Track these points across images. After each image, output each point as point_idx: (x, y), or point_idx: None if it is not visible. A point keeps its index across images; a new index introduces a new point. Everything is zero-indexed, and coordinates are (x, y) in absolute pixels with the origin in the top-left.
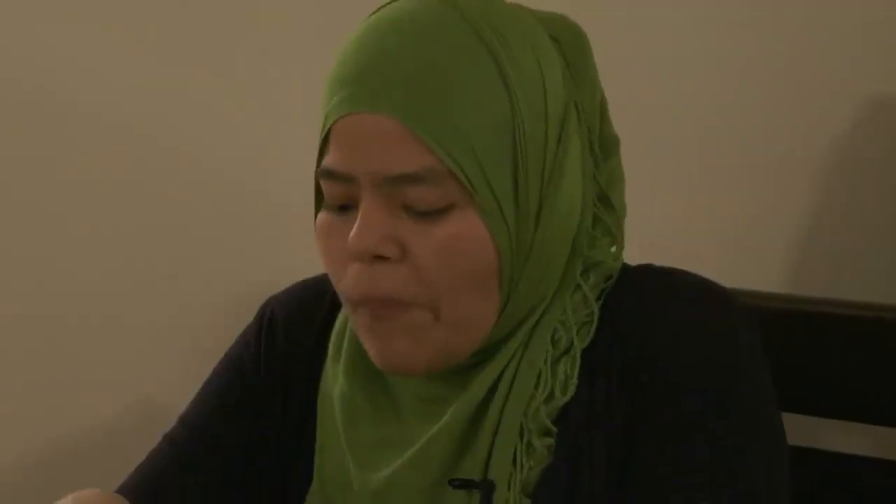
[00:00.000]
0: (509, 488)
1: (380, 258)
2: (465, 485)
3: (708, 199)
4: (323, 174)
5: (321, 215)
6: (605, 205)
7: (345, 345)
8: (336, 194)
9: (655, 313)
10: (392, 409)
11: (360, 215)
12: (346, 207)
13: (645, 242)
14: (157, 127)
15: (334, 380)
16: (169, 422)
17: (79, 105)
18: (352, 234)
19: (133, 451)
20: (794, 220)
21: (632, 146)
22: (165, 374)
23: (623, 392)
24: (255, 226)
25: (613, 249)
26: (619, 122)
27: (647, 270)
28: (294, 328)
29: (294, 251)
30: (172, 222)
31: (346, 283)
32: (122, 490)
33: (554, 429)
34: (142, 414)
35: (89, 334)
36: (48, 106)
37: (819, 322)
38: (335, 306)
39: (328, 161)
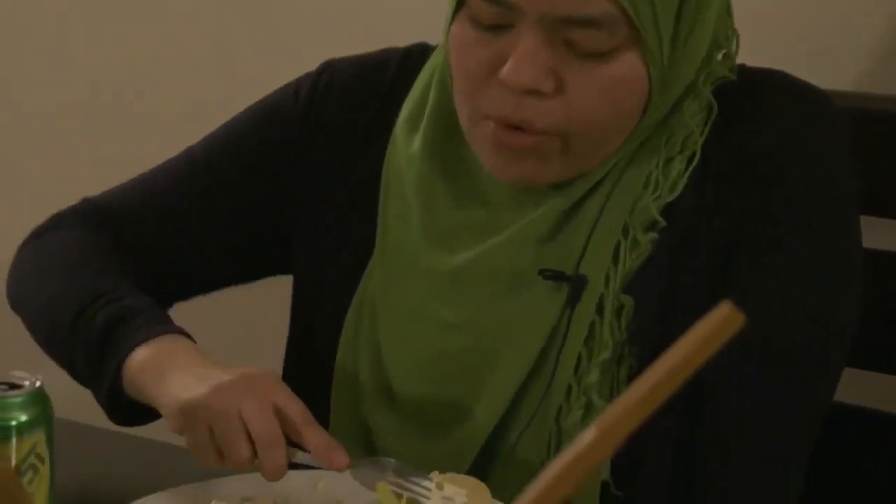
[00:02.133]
0: (607, 284)
1: (533, 91)
2: (557, 276)
3: None
4: None
5: (461, 26)
6: (728, 13)
7: (423, 124)
8: (490, 13)
9: (772, 116)
10: (477, 194)
11: (520, 48)
12: (496, 27)
13: None
14: None
15: (407, 158)
16: None
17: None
18: (510, 66)
19: None
20: None
21: None
22: None
23: (733, 193)
24: None
25: (730, 53)
26: None
27: (761, 74)
28: (352, 95)
29: None
30: None
31: (487, 102)
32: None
33: (662, 221)
34: None
35: None
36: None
37: None
38: (398, 79)
39: None
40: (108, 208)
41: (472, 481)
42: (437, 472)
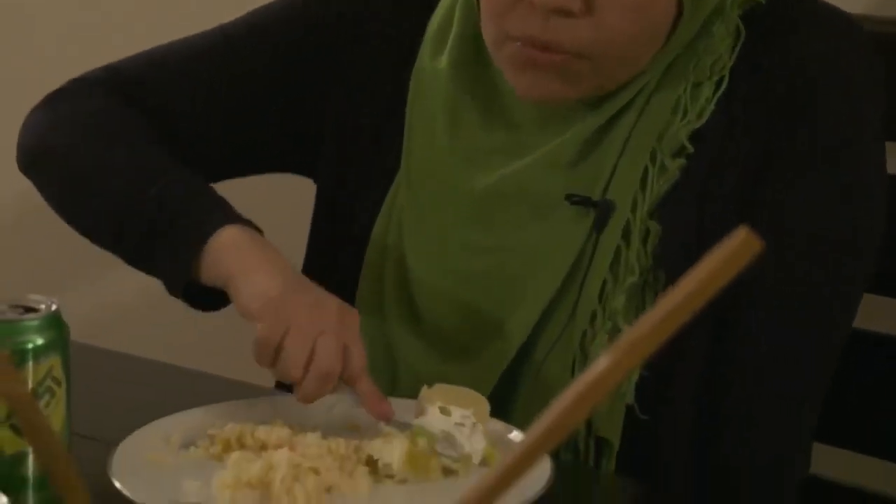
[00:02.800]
0: (634, 210)
1: (561, 10)
2: (584, 202)
3: None
4: None
5: None
6: None
7: (449, 44)
8: None
9: (800, 41)
10: (504, 116)
11: None
12: None
13: None
14: None
15: (433, 76)
16: None
17: None
18: None
19: None
20: None
21: None
22: None
23: (761, 118)
24: None
25: None
26: None
27: None
28: (385, 7)
29: None
30: None
31: (514, 23)
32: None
33: (690, 147)
34: None
35: None
36: None
37: None
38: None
39: None
40: (135, 79)
41: (470, 394)
42: (425, 387)
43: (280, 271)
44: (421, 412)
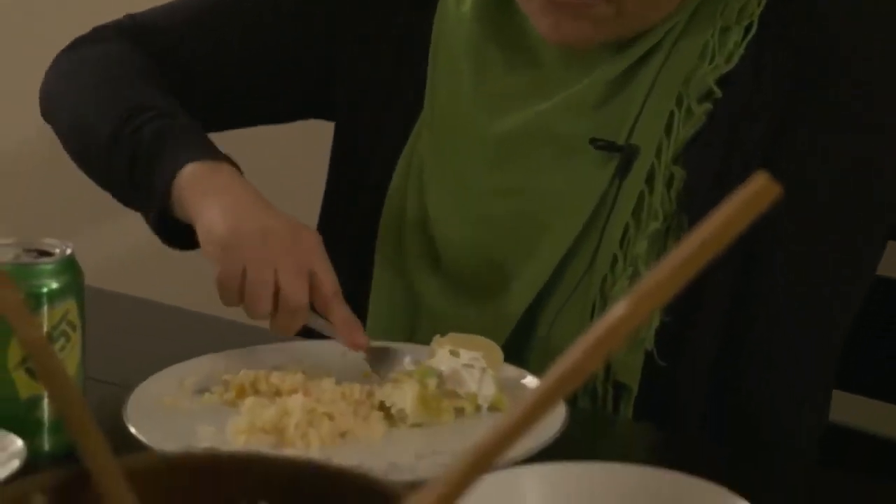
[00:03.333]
0: (658, 154)
1: None
2: (608, 146)
3: None
4: None
5: None
6: None
7: None
8: None
9: None
10: (528, 59)
11: None
12: None
13: None
14: None
15: (457, 19)
16: None
17: None
18: None
19: None
20: None
21: None
22: None
23: (790, 64)
24: None
25: None
26: None
27: None
28: None
29: None
30: None
31: None
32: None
33: (718, 92)
34: None
35: None
36: None
37: None
38: None
39: None
40: (151, 26)
41: (482, 340)
42: (437, 336)
43: (229, 203)
44: (431, 356)
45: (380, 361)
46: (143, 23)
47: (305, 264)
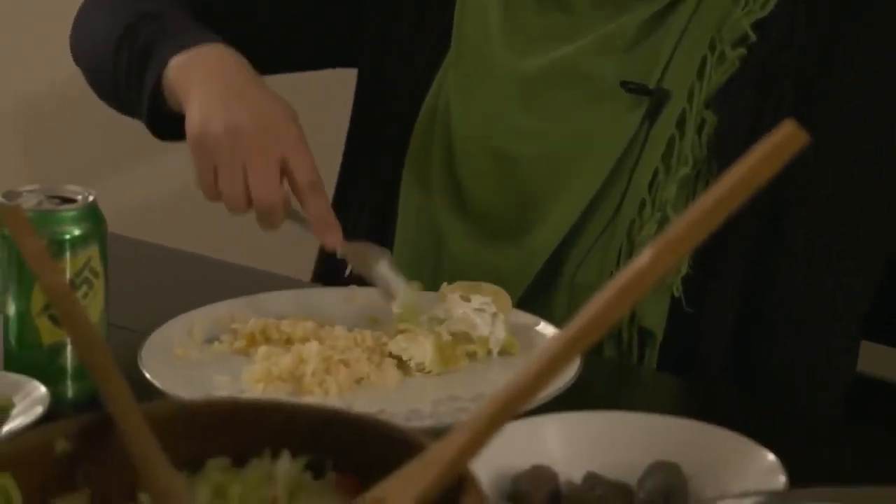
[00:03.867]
0: (690, 99)
1: None
2: (639, 90)
3: None
4: None
5: None
6: None
7: None
8: None
9: None
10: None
11: None
12: None
13: None
14: None
15: None
16: None
17: None
18: None
19: None
20: None
21: None
22: None
23: (825, 13)
24: None
25: None
26: None
27: None
28: None
29: None
30: None
31: None
32: None
33: (753, 36)
34: None
35: None
36: None
37: None
38: None
39: None
40: None
41: (490, 287)
42: (445, 283)
43: (204, 97)
44: (441, 300)
45: (357, 260)
46: None
47: (276, 157)
